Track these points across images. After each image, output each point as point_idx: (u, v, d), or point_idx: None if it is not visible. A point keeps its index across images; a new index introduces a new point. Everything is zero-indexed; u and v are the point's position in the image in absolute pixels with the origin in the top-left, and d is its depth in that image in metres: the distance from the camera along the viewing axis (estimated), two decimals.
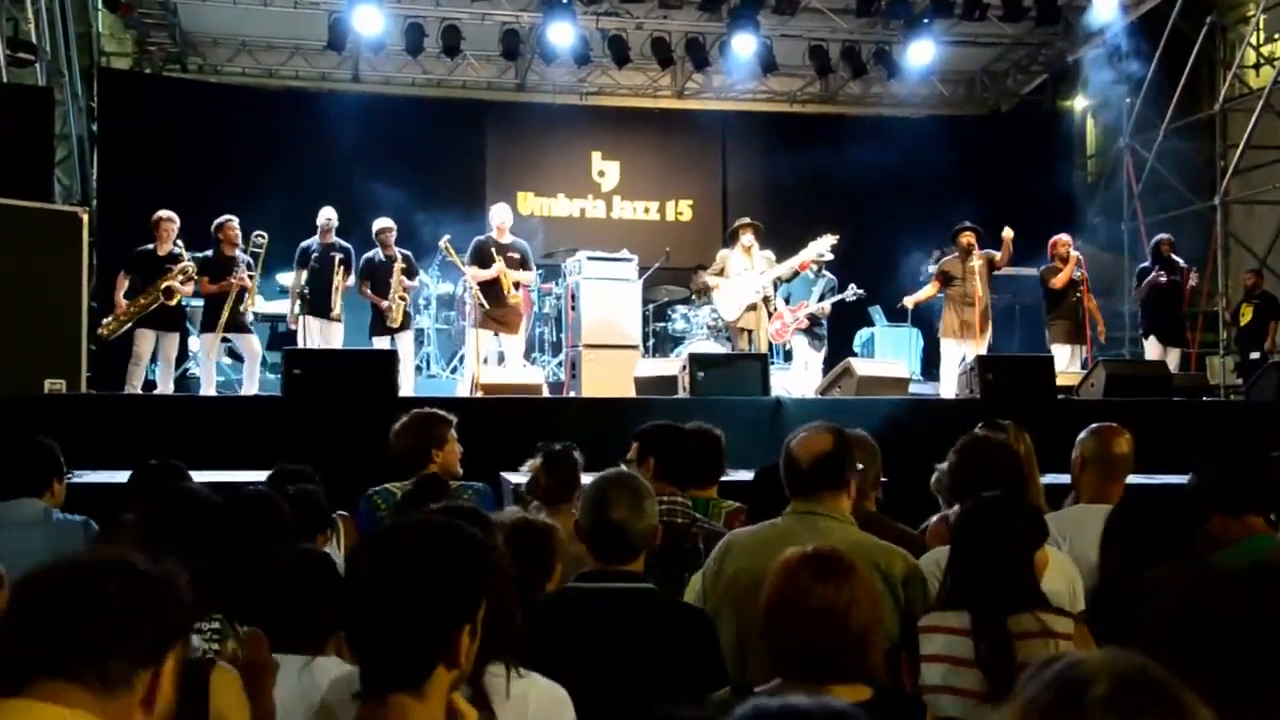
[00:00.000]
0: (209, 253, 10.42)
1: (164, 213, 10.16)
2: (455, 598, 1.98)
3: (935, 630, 3.05)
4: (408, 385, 10.59)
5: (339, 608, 2.55)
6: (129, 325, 9.84)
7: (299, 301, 10.55)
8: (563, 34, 13.78)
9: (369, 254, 10.72)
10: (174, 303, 9.93)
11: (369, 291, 10.65)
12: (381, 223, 10.75)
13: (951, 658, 2.99)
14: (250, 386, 10.31)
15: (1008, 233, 10.63)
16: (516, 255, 10.59)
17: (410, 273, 10.81)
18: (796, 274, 11.29)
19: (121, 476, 5.00)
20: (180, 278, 9.92)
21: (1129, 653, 1.36)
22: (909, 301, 11.25)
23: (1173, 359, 11.06)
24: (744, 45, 14.16)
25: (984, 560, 3.05)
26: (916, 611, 3.26)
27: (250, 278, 10.26)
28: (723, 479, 5.00)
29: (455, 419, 4.95)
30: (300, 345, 10.51)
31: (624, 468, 4.32)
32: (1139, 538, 3.25)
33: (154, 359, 10.23)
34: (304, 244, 10.70)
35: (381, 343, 10.51)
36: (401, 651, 1.97)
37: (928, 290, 11.07)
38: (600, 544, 3.12)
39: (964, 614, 3.00)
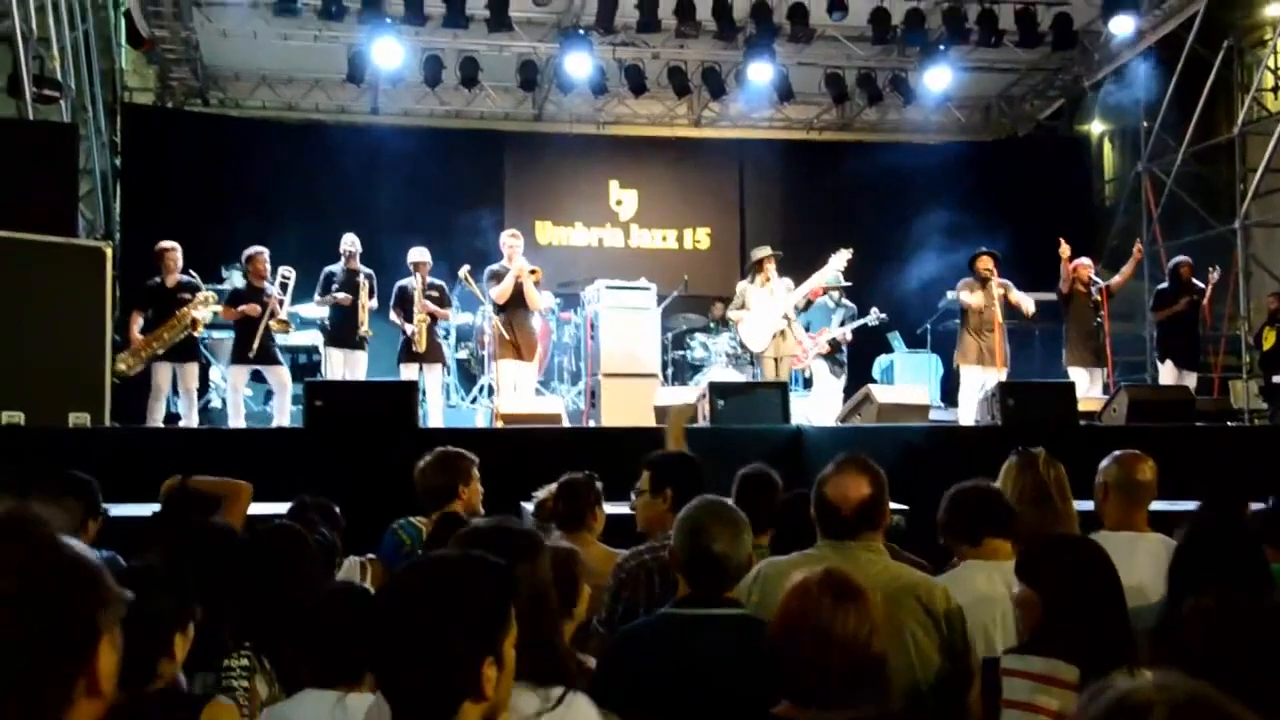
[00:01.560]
0: (239, 285, 10.50)
1: (165, 243, 10.21)
2: (471, 629, 1.99)
3: (1023, 676, 2.91)
4: (437, 418, 10.64)
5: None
6: (152, 358, 9.89)
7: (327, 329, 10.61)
8: (580, 64, 13.86)
9: (403, 281, 10.76)
10: (198, 331, 9.98)
11: (398, 318, 10.69)
12: (417, 254, 10.78)
13: (1048, 711, 2.84)
14: (281, 419, 10.32)
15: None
16: (435, 294, 10.67)
17: (442, 302, 10.84)
18: (823, 293, 11.27)
19: (146, 510, 5.02)
20: (201, 306, 9.97)
21: (1184, 677, 1.35)
22: (953, 298, 11.08)
23: (1189, 383, 10.99)
24: (760, 73, 14.22)
25: (1089, 607, 2.94)
26: (959, 644, 3.24)
27: (280, 302, 10.29)
28: None
29: (477, 459, 4.98)
30: (324, 376, 10.55)
31: (635, 496, 4.34)
32: (1207, 567, 3.18)
33: (174, 391, 10.28)
34: (328, 269, 10.74)
35: (409, 370, 10.52)
36: (423, 687, 1.97)
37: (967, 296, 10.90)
38: (699, 574, 3.13)
39: (1057, 662, 2.86)
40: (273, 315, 10.19)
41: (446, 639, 1.97)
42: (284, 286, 10.46)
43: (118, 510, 5.95)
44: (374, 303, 10.67)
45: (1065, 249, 11.05)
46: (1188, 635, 2.30)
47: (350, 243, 10.70)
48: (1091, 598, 2.96)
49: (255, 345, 10.12)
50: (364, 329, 10.51)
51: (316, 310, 11.15)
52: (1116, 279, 11.32)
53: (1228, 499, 4.07)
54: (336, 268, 10.69)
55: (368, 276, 10.65)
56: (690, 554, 3.12)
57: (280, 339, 10.75)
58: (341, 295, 10.47)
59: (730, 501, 3.41)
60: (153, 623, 2.65)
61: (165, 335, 9.90)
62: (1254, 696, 1.69)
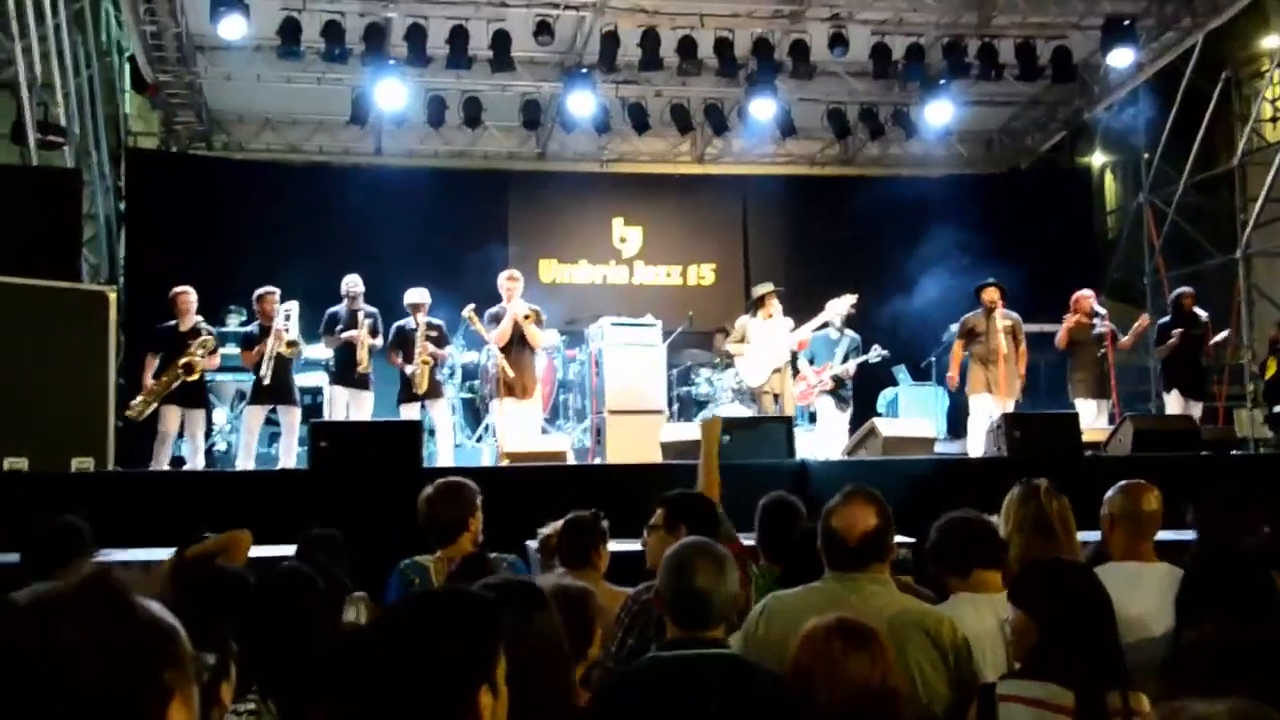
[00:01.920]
0: (253, 326, 10.54)
1: (180, 288, 10.25)
2: (466, 658, 1.99)
3: (1018, 701, 2.94)
4: (447, 455, 10.63)
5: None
6: (160, 401, 9.90)
7: (331, 369, 10.62)
8: (583, 103, 13.94)
9: (400, 322, 10.78)
10: (195, 378, 9.97)
11: (398, 359, 10.69)
12: (415, 295, 10.79)
13: None
14: (287, 460, 10.32)
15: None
16: (434, 333, 10.69)
17: (441, 342, 10.85)
18: (821, 327, 11.30)
19: (150, 555, 5.01)
20: (201, 352, 9.98)
21: (1255, 703, 1.34)
22: (953, 379, 11.13)
23: (1195, 413, 10.97)
24: (762, 110, 14.28)
25: (1082, 631, 2.96)
26: (966, 676, 3.22)
27: (286, 330, 10.31)
28: (750, 543, 4.99)
29: (479, 490, 4.96)
30: (328, 416, 10.54)
31: (648, 534, 4.33)
32: (1214, 595, 3.17)
33: (180, 435, 10.29)
34: (331, 310, 10.75)
35: (409, 410, 10.52)
36: (422, 717, 1.98)
37: (956, 352, 11.03)
38: (683, 612, 3.10)
39: (1053, 687, 2.89)
40: (277, 339, 10.18)
41: (443, 668, 1.98)
42: (287, 317, 10.46)
43: (122, 555, 5.96)
44: (378, 341, 10.67)
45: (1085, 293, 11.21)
46: (1190, 664, 2.30)
47: (352, 283, 10.71)
48: (1085, 621, 2.98)
49: (269, 377, 10.11)
50: (363, 365, 10.49)
51: (323, 351, 11.15)
52: (1126, 340, 11.31)
53: (1228, 526, 4.04)
54: (340, 308, 10.71)
55: (370, 315, 10.65)
56: (674, 591, 3.09)
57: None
58: (349, 334, 10.48)
59: (666, 539, 3.40)
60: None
61: (165, 379, 9.89)
62: None
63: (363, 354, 10.47)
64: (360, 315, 10.57)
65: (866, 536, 3.36)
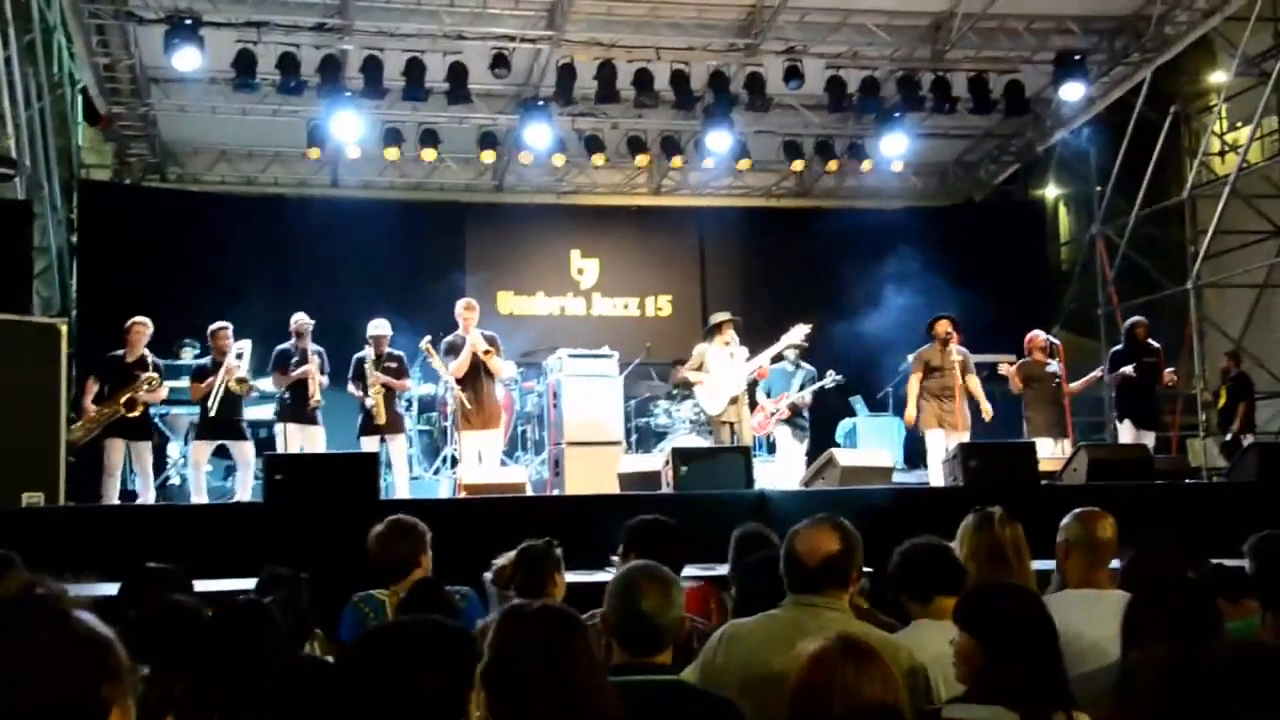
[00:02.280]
0: (205, 360, 10.45)
1: (137, 319, 10.15)
2: (443, 688, 1.98)
3: None
4: (403, 489, 10.55)
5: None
6: (95, 434, 9.76)
7: (282, 404, 10.52)
8: (539, 135, 13.95)
9: (360, 354, 10.72)
10: (137, 414, 9.84)
11: (357, 392, 10.62)
12: (374, 327, 10.74)
13: None
14: (243, 494, 10.21)
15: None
16: (393, 364, 10.69)
17: (400, 373, 10.79)
18: (777, 359, 11.33)
19: (102, 590, 4.92)
20: (144, 389, 9.85)
21: None
22: (910, 417, 11.10)
23: (1148, 442, 11.04)
24: (718, 142, 14.35)
25: (1023, 653, 2.97)
26: (923, 703, 3.22)
27: (238, 367, 10.22)
28: (709, 573, 4.97)
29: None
30: (281, 450, 10.46)
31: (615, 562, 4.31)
32: (1161, 623, 3.19)
33: (130, 468, 10.15)
34: (282, 347, 10.65)
35: (370, 443, 10.45)
36: None
37: (913, 386, 10.98)
38: (629, 636, 3.08)
39: (997, 709, 2.90)
40: (228, 374, 10.10)
41: (422, 698, 1.96)
42: (239, 355, 10.38)
43: (73, 590, 5.85)
44: (325, 379, 10.58)
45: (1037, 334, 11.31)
46: (1136, 687, 2.31)
47: (301, 321, 10.62)
48: (1028, 643, 2.99)
49: (215, 410, 10.02)
50: (315, 399, 10.40)
51: (274, 385, 11.05)
52: (1076, 386, 11.39)
53: (1162, 552, 4.06)
54: (290, 345, 10.62)
55: (318, 353, 10.58)
56: (620, 614, 3.08)
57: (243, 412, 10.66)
58: (302, 370, 10.40)
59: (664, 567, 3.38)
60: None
61: (106, 411, 9.76)
62: None
63: (314, 388, 10.38)
64: (309, 352, 10.50)
65: (827, 560, 3.36)
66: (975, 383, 10.75)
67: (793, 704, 2.59)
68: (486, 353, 10.36)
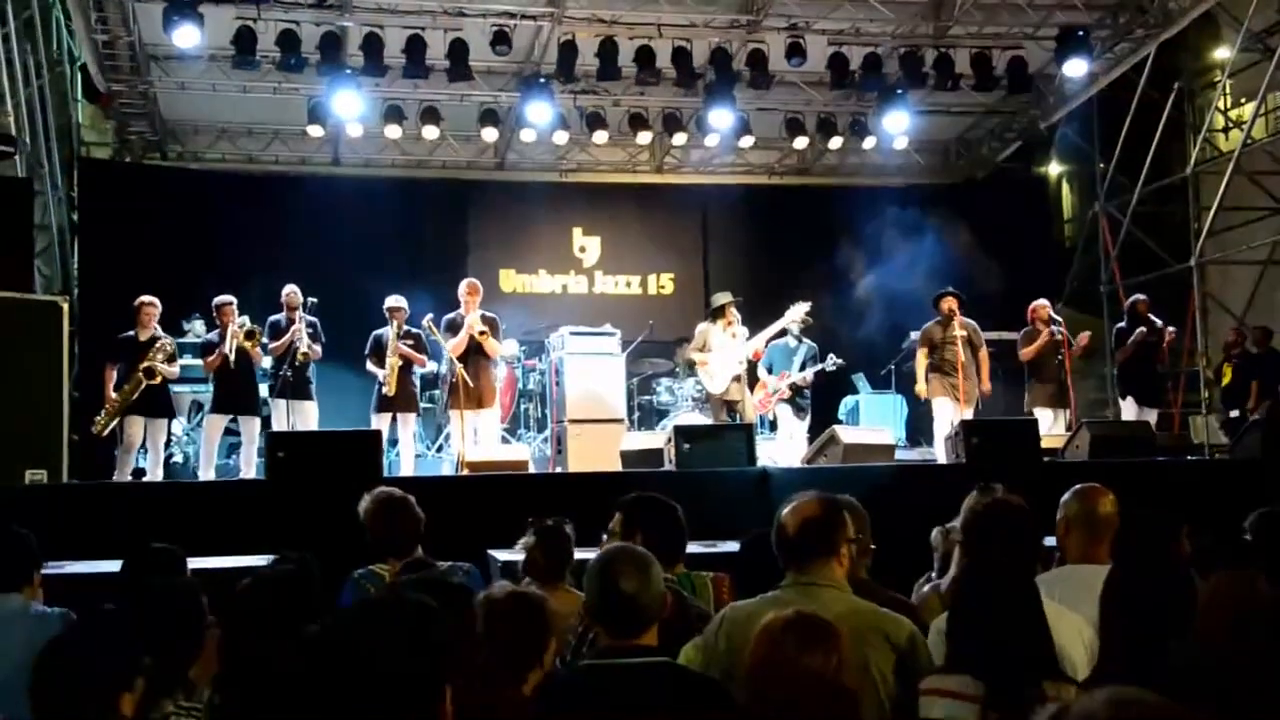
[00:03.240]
0: (212, 335, 10.47)
1: (145, 298, 10.18)
2: (430, 665, 1.98)
3: (936, 693, 2.99)
4: (409, 467, 10.58)
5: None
6: (124, 413, 9.79)
7: (276, 381, 10.52)
8: (541, 113, 13.91)
9: (378, 331, 10.72)
10: (158, 381, 9.88)
11: (373, 366, 10.63)
12: (392, 300, 10.74)
13: None
14: (248, 471, 10.24)
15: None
16: (411, 342, 10.68)
17: (419, 349, 10.78)
18: (776, 338, 11.34)
19: (105, 567, 4.94)
20: (160, 357, 9.89)
21: (1130, 690, 1.36)
22: (921, 390, 11.09)
23: (1150, 419, 11.04)
24: (721, 119, 14.31)
25: (988, 623, 3.01)
26: (912, 672, 3.23)
27: (241, 326, 10.23)
28: (712, 550, 4.97)
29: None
30: (275, 427, 10.46)
31: (607, 538, 4.31)
32: (1139, 604, 3.19)
33: (144, 445, 10.18)
34: (273, 319, 10.64)
35: (381, 420, 10.46)
36: None
37: (921, 360, 11.03)
38: (610, 618, 3.09)
39: (966, 678, 2.95)
40: (234, 336, 10.10)
41: (420, 675, 1.97)
42: (243, 326, 10.38)
43: (75, 567, 5.88)
44: (318, 348, 10.57)
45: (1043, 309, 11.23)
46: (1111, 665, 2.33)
47: (291, 292, 10.61)
48: (993, 614, 3.01)
49: (235, 363, 10.07)
50: (301, 352, 10.32)
51: (270, 355, 11.02)
52: (1076, 349, 11.34)
53: (1151, 524, 4.04)
54: (280, 317, 10.62)
55: (310, 325, 10.56)
56: (599, 596, 3.09)
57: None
58: (292, 330, 10.37)
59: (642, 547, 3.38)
60: (99, 680, 2.63)
61: (127, 389, 9.82)
62: None
63: (301, 343, 10.34)
64: (300, 321, 10.49)
65: (805, 525, 3.35)
66: (984, 355, 10.80)
67: (746, 682, 2.60)
68: (482, 334, 10.36)
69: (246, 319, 10.42)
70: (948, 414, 10.60)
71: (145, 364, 9.81)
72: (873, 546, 4.29)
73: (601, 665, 3.04)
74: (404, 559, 4.64)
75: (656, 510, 4.46)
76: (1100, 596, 3.27)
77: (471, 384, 10.29)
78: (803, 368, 11.47)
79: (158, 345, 9.96)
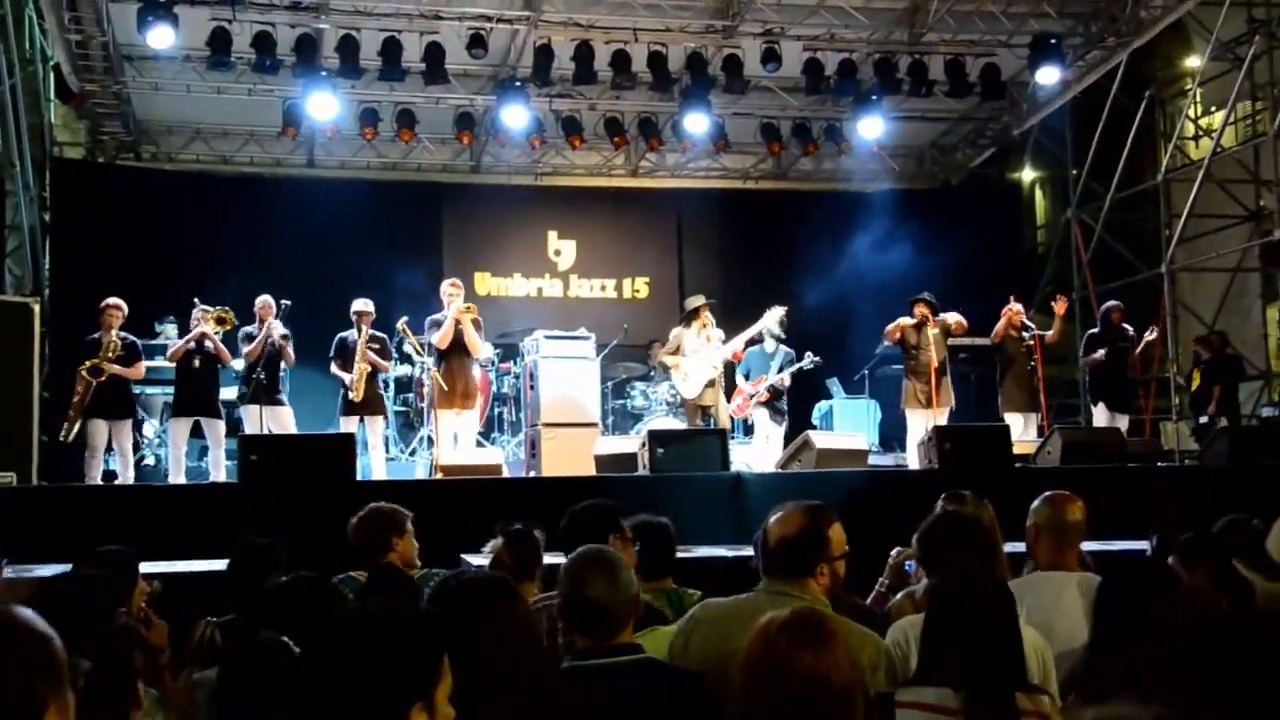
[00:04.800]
0: (172, 340, 10.42)
1: (111, 300, 10.06)
2: (399, 676, 1.98)
3: (914, 707, 2.98)
4: (379, 470, 10.52)
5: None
6: (81, 421, 9.69)
7: (249, 386, 10.46)
8: (516, 116, 13.89)
9: (343, 334, 10.69)
10: (104, 379, 9.74)
11: (338, 369, 10.60)
12: (360, 304, 10.71)
13: None
14: (217, 474, 10.17)
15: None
16: (376, 346, 10.67)
17: (383, 354, 10.77)
18: (753, 343, 11.38)
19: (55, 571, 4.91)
20: (109, 356, 9.78)
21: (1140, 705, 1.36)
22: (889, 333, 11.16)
23: (1121, 425, 11.14)
24: (696, 124, 14.33)
25: (969, 636, 3.00)
26: (865, 694, 3.24)
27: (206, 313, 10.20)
28: (687, 555, 4.99)
29: (411, 513, 4.94)
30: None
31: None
32: (1129, 607, 3.21)
33: (110, 448, 10.10)
34: (247, 329, 10.55)
35: (349, 423, 10.42)
36: None
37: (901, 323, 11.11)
38: (582, 623, 3.10)
39: (945, 691, 2.94)
40: (204, 320, 10.09)
41: (374, 685, 1.96)
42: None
43: (42, 571, 5.83)
44: (290, 354, 10.54)
45: (1015, 307, 11.32)
46: (1108, 673, 2.34)
47: (262, 303, 10.53)
48: (967, 625, 3.01)
49: (204, 349, 10.06)
50: (274, 337, 10.31)
51: (246, 360, 10.96)
52: (1052, 334, 11.49)
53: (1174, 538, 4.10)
54: (253, 327, 10.56)
55: (284, 338, 10.52)
56: (571, 602, 3.11)
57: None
58: (265, 331, 10.33)
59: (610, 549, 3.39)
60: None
61: (80, 390, 9.67)
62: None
63: (282, 347, 10.31)
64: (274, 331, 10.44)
65: (782, 543, 3.36)
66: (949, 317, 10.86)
67: (742, 681, 2.59)
68: (467, 308, 10.35)
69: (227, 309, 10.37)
70: (920, 424, 10.64)
71: (90, 363, 9.68)
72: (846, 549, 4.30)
73: (582, 667, 3.05)
74: (373, 564, 4.65)
75: (650, 529, 4.53)
76: (1094, 604, 3.30)
77: (449, 384, 10.28)
78: (779, 372, 11.51)
79: (106, 343, 9.80)
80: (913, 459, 10.54)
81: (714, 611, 3.41)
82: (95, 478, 9.78)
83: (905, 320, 10.91)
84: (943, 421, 10.38)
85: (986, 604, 3.06)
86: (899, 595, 4.44)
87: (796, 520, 3.40)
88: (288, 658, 3.02)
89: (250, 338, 10.48)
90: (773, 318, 11.18)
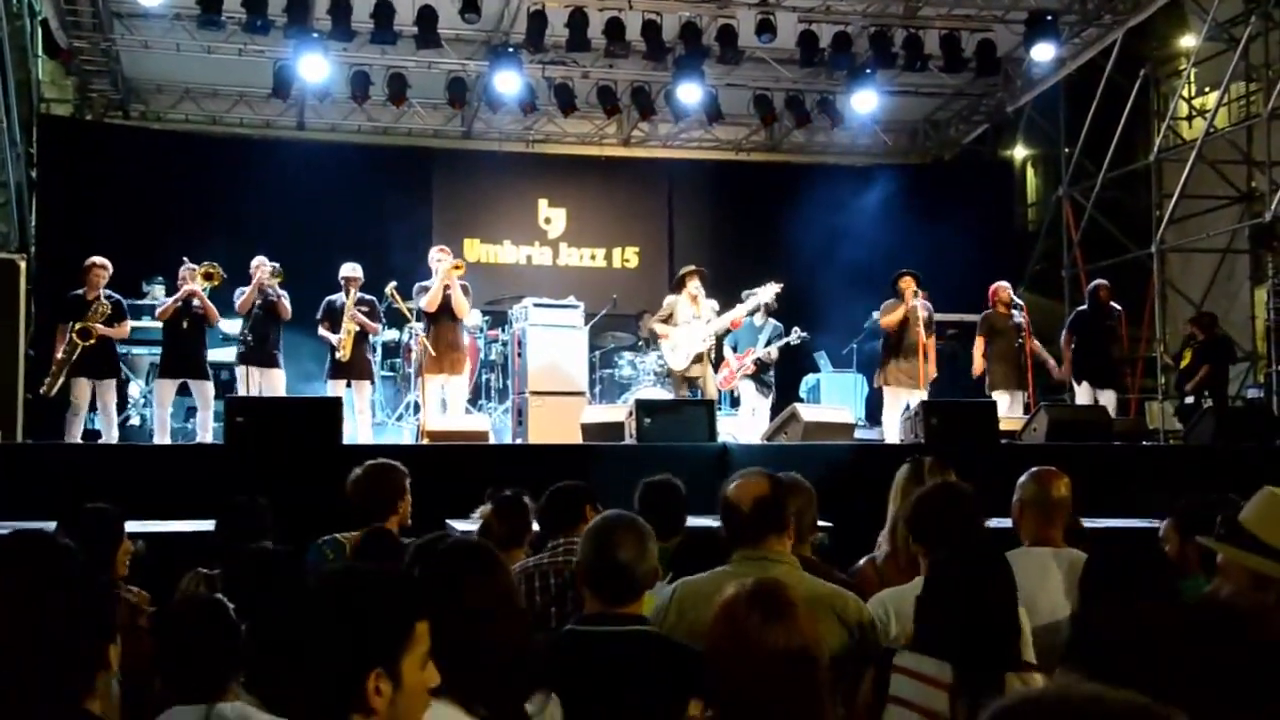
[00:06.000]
0: (160, 300, 10.38)
1: (96, 259, 10.05)
2: (354, 641, 1.94)
3: (909, 674, 2.99)
4: (366, 434, 10.52)
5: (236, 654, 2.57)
6: (64, 378, 9.67)
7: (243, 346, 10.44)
8: (509, 82, 13.82)
9: (331, 296, 10.67)
10: (93, 342, 9.74)
11: (325, 331, 10.58)
12: (348, 269, 10.68)
13: (924, 709, 2.93)
14: (204, 436, 10.16)
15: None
16: (365, 309, 10.68)
17: (372, 317, 10.75)
18: (742, 322, 11.36)
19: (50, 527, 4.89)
20: (97, 317, 9.76)
21: (1079, 679, 1.35)
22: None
23: (1106, 400, 11.15)
24: (689, 94, 14.27)
25: (968, 611, 3.00)
26: (871, 652, 3.26)
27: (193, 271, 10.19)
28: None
29: (408, 471, 4.92)
30: (241, 393, 10.40)
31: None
32: (1117, 580, 3.23)
33: (93, 408, 10.07)
34: (241, 290, 10.54)
35: (336, 387, 10.42)
36: (303, 698, 1.94)
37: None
38: (604, 585, 3.09)
39: (944, 665, 2.95)
40: (191, 278, 10.07)
41: (325, 650, 1.93)
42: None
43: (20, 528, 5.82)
44: (286, 310, 10.52)
45: (1004, 290, 11.36)
46: (1089, 646, 2.34)
47: (257, 263, 10.51)
48: (963, 598, 3.02)
49: (193, 311, 10.09)
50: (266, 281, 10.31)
51: (233, 326, 10.93)
52: (1038, 347, 11.49)
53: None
54: (248, 289, 10.52)
55: (276, 295, 10.48)
56: (596, 564, 3.09)
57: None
58: (254, 283, 10.32)
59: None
60: None
61: (65, 349, 9.66)
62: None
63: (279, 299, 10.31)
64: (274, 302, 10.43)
65: (758, 503, 3.41)
66: (931, 342, 10.84)
67: (707, 656, 2.60)
68: (456, 266, 10.32)
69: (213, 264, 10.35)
70: (898, 401, 10.64)
71: (80, 325, 9.66)
72: (829, 525, 4.32)
73: (584, 631, 3.05)
74: (371, 527, 4.64)
75: (662, 489, 4.66)
76: (1081, 578, 3.32)
77: (437, 348, 10.26)
78: (768, 345, 11.51)
79: (94, 306, 9.81)
80: (890, 434, 10.55)
81: (694, 586, 3.43)
82: (76, 436, 9.76)
83: (897, 305, 10.86)
84: (924, 397, 10.39)
85: (988, 579, 3.08)
86: (861, 561, 4.44)
87: (762, 484, 3.47)
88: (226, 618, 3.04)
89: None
90: (768, 293, 11.13)
